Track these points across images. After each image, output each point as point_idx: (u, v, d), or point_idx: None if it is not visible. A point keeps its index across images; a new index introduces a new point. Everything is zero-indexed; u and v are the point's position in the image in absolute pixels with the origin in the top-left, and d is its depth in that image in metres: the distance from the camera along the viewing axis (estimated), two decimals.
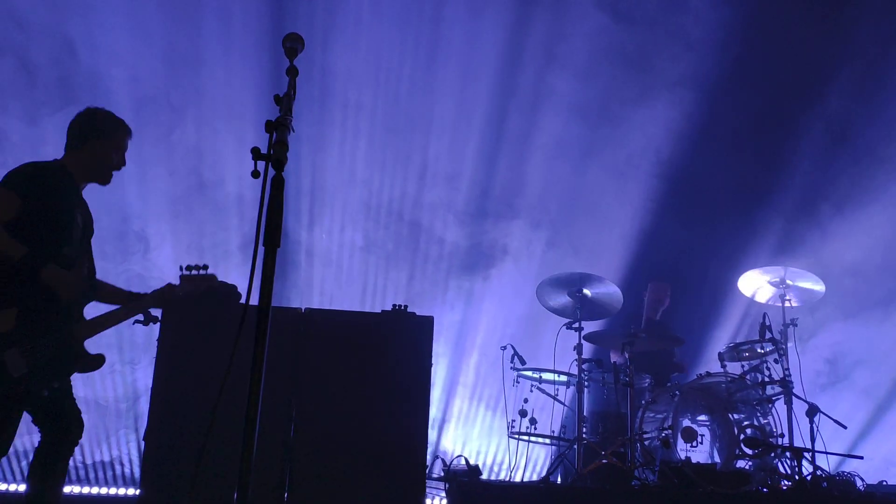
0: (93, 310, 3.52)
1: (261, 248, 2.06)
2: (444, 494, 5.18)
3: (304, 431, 4.27)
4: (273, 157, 2.11)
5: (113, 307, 3.57)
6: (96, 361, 3.43)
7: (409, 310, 4.68)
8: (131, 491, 5.89)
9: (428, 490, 5.22)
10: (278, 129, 2.14)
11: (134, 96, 6.96)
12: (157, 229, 7.13)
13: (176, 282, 3.73)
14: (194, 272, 3.75)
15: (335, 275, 7.50)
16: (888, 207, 7.80)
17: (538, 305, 6.37)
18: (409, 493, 4.31)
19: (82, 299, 3.42)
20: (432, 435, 7.05)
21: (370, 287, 7.50)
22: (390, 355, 4.50)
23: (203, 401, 4.04)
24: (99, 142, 3.47)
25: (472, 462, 5.29)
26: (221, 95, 7.25)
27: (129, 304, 3.58)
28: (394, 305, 4.70)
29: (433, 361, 4.60)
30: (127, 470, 6.59)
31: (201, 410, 4.02)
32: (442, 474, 5.45)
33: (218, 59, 7.25)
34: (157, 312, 3.84)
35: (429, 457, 5.81)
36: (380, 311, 4.86)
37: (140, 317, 3.61)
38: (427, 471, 5.52)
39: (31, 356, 3.11)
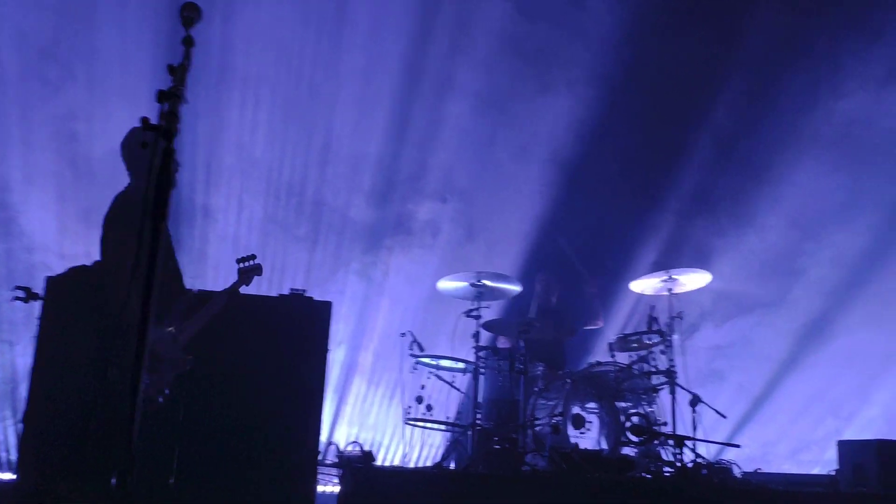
0: None
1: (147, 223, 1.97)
2: (336, 481, 5.14)
3: (193, 416, 4.13)
4: (164, 127, 2.02)
5: None
6: None
7: (307, 294, 4.61)
8: (7, 476, 5.57)
9: (321, 476, 5.17)
10: (170, 99, 2.07)
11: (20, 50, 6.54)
12: (38, 199, 6.72)
13: None
14: (247, 264, 4.20)
15: (231, 254, 7.27)
16: (773, 213, 8.24)
17: (436, 292, 6.39)
18: (299, 479, 4.24)
19: None
20: (328, 421, 6.99)
21: (268, 267, 7.30)
22: (286, 340, 4.43)
23: (86, 382, 3.84)
24: None
25: (366, 448, 5.26)
26: (115, 59, 6.87)
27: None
28: (291, 290, 4.61)
29: (330, 347, 4.55)
30: (3, 454, 6.22)
31: (83, 392, 3.82)
32: (336, 460, 5.40)
33: (113, 18, 6.87)
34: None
35: (323, 443, 5.79)
36: (277, 294, 4.76)
37: (21, 293, 3.41)
38: (320, 457, 5.48)
39: None
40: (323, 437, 4.92)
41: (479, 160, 7.99)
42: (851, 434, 7.82)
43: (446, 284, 6.15)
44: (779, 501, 5.08)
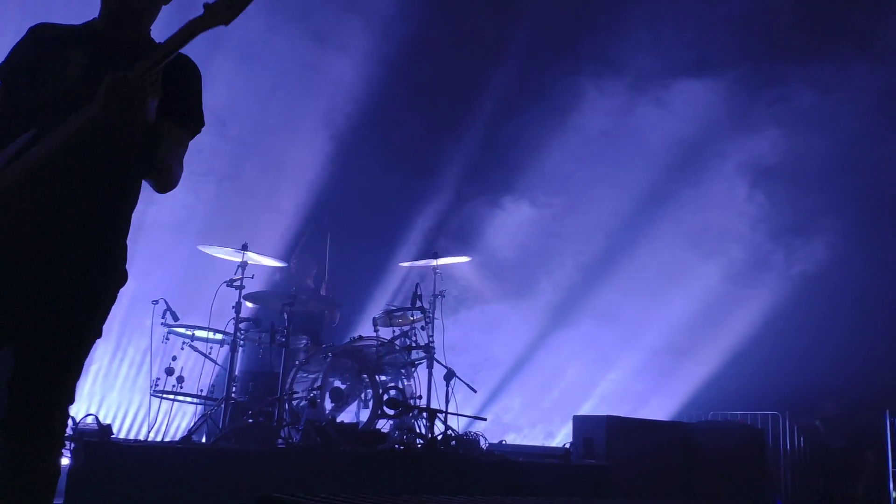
0: None
1: None
2: (68, 454, 4.70)
3: None
4: None
5: None
6: None
7: None
8: None
9: None
10: None
11: None
12: None
13: None
14: None
15: None
16: (530, 204, 8.78)
17: (199, 260, 6.08)
18: None
19: None
20: None
21: None
22: None
23: None
24: None
25: (105, 421, 4.87)
26: None
27: None
28: None
29: None
30: None
31: None
32: (71, 433, 4.95)
33: None
34: None
35: None
36: None
37: None
38: None
39: None
40: None
41: (250, 127, 7.66)
42: (587, 410, 8.59)
43: (210, 249, 5.87)
44: (517, 471, 5.44)
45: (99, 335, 2.20)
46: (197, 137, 2.38)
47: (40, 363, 2.04)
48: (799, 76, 8.14)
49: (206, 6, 2.05)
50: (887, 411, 7.64)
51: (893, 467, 7.51)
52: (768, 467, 7.14)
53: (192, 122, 2.35)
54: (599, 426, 6.15)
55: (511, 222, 8.93)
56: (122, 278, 2.26)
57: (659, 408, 8.85)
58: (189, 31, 2.04)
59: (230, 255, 5.80)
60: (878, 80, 7.87)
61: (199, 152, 7.53)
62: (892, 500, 7.42)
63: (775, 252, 8.80)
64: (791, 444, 8.78)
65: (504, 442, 6.82)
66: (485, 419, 6.23)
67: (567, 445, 6.17)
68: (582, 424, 6.36)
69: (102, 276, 2.19)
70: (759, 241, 8.75)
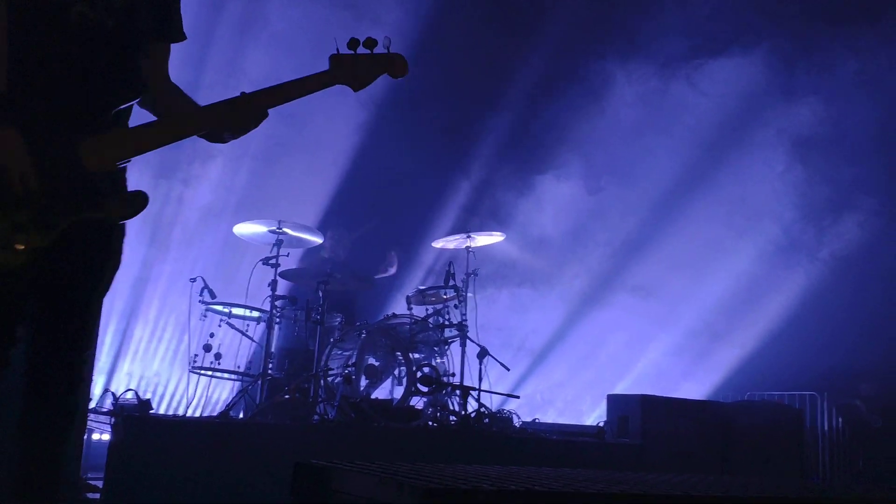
0: None
1: None
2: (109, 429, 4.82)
3: None
4: None
5: None
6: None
7: None
8: None
9: (94, 425, 4.84)
10: None
11: None
12: None
13: None
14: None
15: None
16: (566, 182, 8.71)
17: (235, 239, 6.15)
18: None
19: None
20: (105, 368, 6.55)
21: None
22: None
23: None
24: None
25: (144, 397, 4.97)
26: None
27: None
28: None
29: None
30: None
31: None
32: (111, 408, 5.07)
33: None
34: None
35: (99, 392, 5.41)
36: None
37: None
38: (95, 405, 5.12)
39: None
40: (99, 386, 4.59)
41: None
42: (622, 390, 8.54)
43: (244, 229, 5.93)
44: (550, 448, 5.44)
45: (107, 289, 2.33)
46: None
47: (62, 311, 2.21)
48: (840, 43, 7.89)
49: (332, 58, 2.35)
50: None
51: None
52: (806, 447, 7.05)
53: (173, 33, 2.46)
54: (634, 405, 6.10)
55: (546, 201, 8.87)
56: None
57: (695, 389, 8.79)
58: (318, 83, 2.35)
59: (264, 233, 5.86)
60: None
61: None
62: None
63: (806, 231, 8.63)
64: (829, 425, 8.67)
65: (537, 420, 6.83)
66: (517, 397, 6.23)
67: (601, 424, 6.16)
68: (616, 403, 6.32)
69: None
70: (792, 218, 8.58)
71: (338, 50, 2.35)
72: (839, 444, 8.56)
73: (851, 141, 8.22)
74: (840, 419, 8.67)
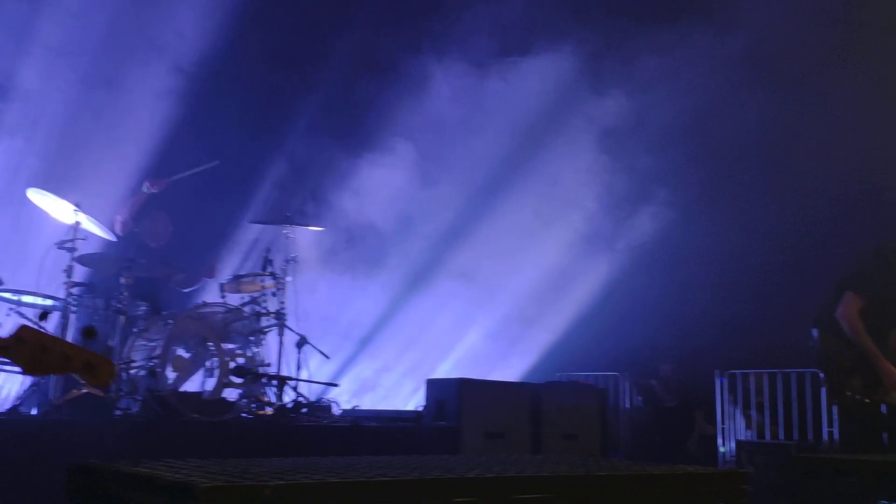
0: None
1: None
2: None
3: None
4: None
5: None
6: None
7: None
8: None
9: None
10: None
11: None
12: None
13: None
14: None
15: None
16: (385, 178, 8.71)
17: (25, 217, 5.61)
18: None
19: None
20: None
21: None
22: None
23: None
24: None
25: None
26: None
27: None
28: None
29: None
30: None
31: None
32: None
33: None
34: None
35: None
36: None
37: None
38: None
39: None
40: None
41: (87, 70, 7.04)
42: (442, 373, 8.69)
43: (41, 197, 5.43)
44: (369, 434, 5.43)
45: None
46: None
47: None
48: (642, 40, 8.44)
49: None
50: (716, 371, 8.24)
51: (721, 424, 8.14)
52: (609, 425, 7.54)
53: None
54: (451, 388, 6.22)
55: (369, 187, 8.82)
56: None
57: (509, 371, 9.12)
58: None
59: (60, 213, 5.39)
60: (720, 47, 8.21)
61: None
62: (720, 454, 8.05)
63: (606, 223, 9.21)
64: (630, 403, 9.35)
65: (357, 408, 6.80)
66: (336, 385, 6.18)
67: (419, 408, 6.23)
68: (435, 387, 6.40)
69: None
70: (595, 209, 9.10)
71: None
72: (639, 421, 9.26)
73: (650, 134, 8.83)
74: (640, 398, 9.38)
